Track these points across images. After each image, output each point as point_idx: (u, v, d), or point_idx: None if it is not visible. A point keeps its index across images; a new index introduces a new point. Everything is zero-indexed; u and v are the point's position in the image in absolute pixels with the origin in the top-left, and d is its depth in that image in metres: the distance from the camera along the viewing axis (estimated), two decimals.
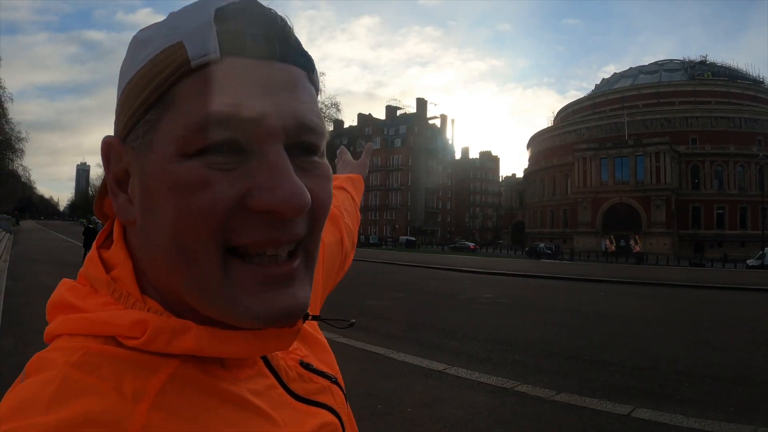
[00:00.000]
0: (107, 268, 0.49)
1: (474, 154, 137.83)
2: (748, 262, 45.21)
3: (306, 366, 0.58)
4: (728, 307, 13.78)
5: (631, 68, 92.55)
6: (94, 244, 0.52)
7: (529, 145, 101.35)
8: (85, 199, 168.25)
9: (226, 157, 0.42)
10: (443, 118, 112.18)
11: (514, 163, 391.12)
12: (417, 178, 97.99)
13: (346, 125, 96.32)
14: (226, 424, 0.43)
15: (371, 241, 79.19)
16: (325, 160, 0.48)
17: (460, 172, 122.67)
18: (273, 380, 0.52)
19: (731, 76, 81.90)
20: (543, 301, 14.43)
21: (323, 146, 0.48)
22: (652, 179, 66.37)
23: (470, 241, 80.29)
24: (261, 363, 0.52)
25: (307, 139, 0.45)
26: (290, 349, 0.56)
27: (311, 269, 0.48)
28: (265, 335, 0.47)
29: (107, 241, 0.52)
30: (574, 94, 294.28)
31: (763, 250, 44.51)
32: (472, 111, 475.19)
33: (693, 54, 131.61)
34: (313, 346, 0.63)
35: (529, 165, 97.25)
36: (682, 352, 7.83)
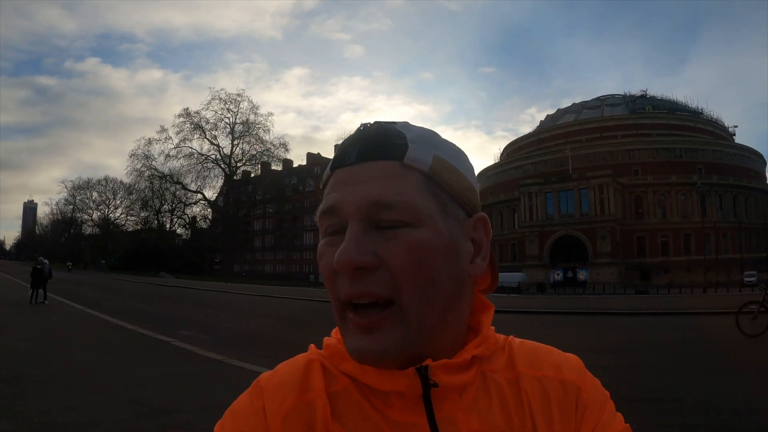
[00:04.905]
0: None
1: None
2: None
3: None
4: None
5: (574, 104, 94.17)
6: None
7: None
8: (32, 237, 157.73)
9: (335, 237, 0.57)
10: None
11: None
12: None
13: (295, 164, 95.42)
14: None
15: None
16: (413, 229, 0.55)
17: None
18: (422, 421, 0.57)
19: (671, 108, 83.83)
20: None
21: (412, 217, 0.56)
22: (597, 211, 66.45)
23: None
24: (421, 407, 0.58)
25: (386, 215, 0.55)
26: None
27: (404, 325, 0.55)
28: (391, 374, 0.57)
29: None
30: (502, 135, 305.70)
31: None
32: None
33: (634, 89, 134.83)
34: None
35: None
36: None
